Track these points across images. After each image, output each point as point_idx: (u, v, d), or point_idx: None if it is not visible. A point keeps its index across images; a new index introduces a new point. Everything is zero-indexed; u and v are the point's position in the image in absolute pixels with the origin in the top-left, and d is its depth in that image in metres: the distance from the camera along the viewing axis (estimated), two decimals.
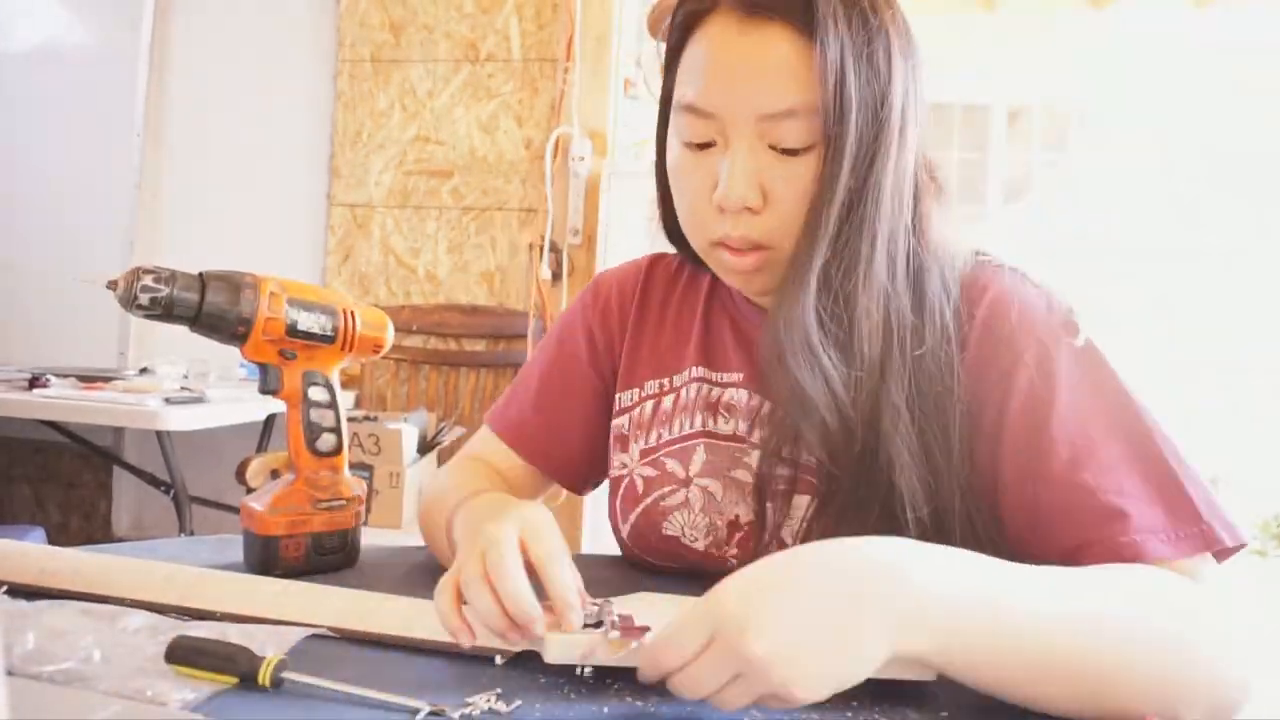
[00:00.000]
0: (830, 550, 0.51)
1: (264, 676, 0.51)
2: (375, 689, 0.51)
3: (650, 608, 0.62)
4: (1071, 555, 0.61)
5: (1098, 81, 5.79)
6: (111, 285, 0.67)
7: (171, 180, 2.82)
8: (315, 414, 0.77)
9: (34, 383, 2.01)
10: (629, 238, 2.50)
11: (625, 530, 0.82)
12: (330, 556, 0.76)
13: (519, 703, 0.51)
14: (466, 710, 0.50)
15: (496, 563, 0.53)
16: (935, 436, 0.66)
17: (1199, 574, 0.59)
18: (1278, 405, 5.37)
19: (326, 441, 0.78)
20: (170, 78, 2.82)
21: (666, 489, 0.79)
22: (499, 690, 0.53)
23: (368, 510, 2.07)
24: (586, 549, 2.54)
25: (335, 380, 0.79)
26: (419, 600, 0.64)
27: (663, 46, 0.74)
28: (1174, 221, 5.77)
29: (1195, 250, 5.75)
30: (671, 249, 0.85)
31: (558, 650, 0.54)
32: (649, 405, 0.83)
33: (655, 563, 0.82)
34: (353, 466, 0.81)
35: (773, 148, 0.66)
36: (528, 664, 0.57)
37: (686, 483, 0.78)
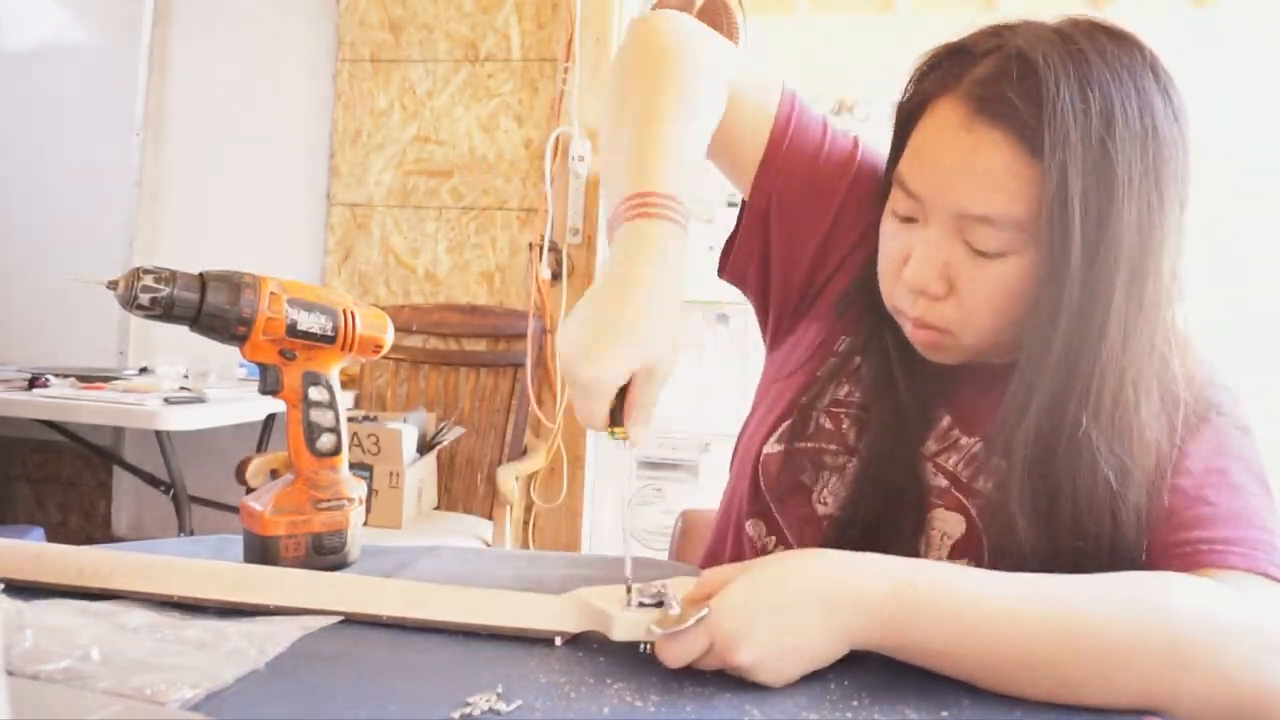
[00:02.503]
0: (801, 564, 0.59)
1: None
2: (382, 686, 0.51)
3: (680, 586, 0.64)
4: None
5: None
6: (111, 285, 0.67)
7: (171, 180, 2.82)
8: (315, 414, 0.77)
9: (34, 383, 2.01)
10: None
11: (770, 446, 0.81)
12: (330, 556, 0.76)
13: (519, 703, 0.51)
14: (466, 710, 0.50)
15: (588, 418, 0.60)
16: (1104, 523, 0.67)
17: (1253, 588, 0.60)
18: (1278, 405, 5.36)
19: (326, 441, 0.78)
20: (170, 78, 2.82)
21: (832, 446, 0.79)
22: (499, 690, 0.53)
23: (368, 510, 2.07)
24: (586, 549, 2.54)
25: (335, 380, 0.79)
26: (445, 587, 0.65)
27: None
28: None
29: (1195, 250, 5.74)
30: None
31: (624, 629, 0.58)
32: (858, 356, 0.82)
33: (745, 500, 0.82)
34: (353, 466, 0.82)
35: (967, 243, 0.67)
36: (528, 664, 0.57)
37: (851, 452, 0.78)
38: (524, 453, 2.44)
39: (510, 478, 2.17)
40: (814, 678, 0.57)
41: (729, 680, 0.56)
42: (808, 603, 0.56)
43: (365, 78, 2.71)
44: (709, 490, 2.40)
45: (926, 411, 0.77)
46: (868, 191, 0.82)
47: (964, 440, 0.76)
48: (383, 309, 0.84)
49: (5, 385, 2.03)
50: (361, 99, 2.71)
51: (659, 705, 0.52)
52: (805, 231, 0.84)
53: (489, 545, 2.19)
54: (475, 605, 0.63)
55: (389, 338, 0.82)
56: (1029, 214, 0.63)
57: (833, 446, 0.79)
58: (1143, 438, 0.66)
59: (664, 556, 1.15)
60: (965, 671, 0.56)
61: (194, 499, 2.23)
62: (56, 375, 2.10)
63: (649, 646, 0.58)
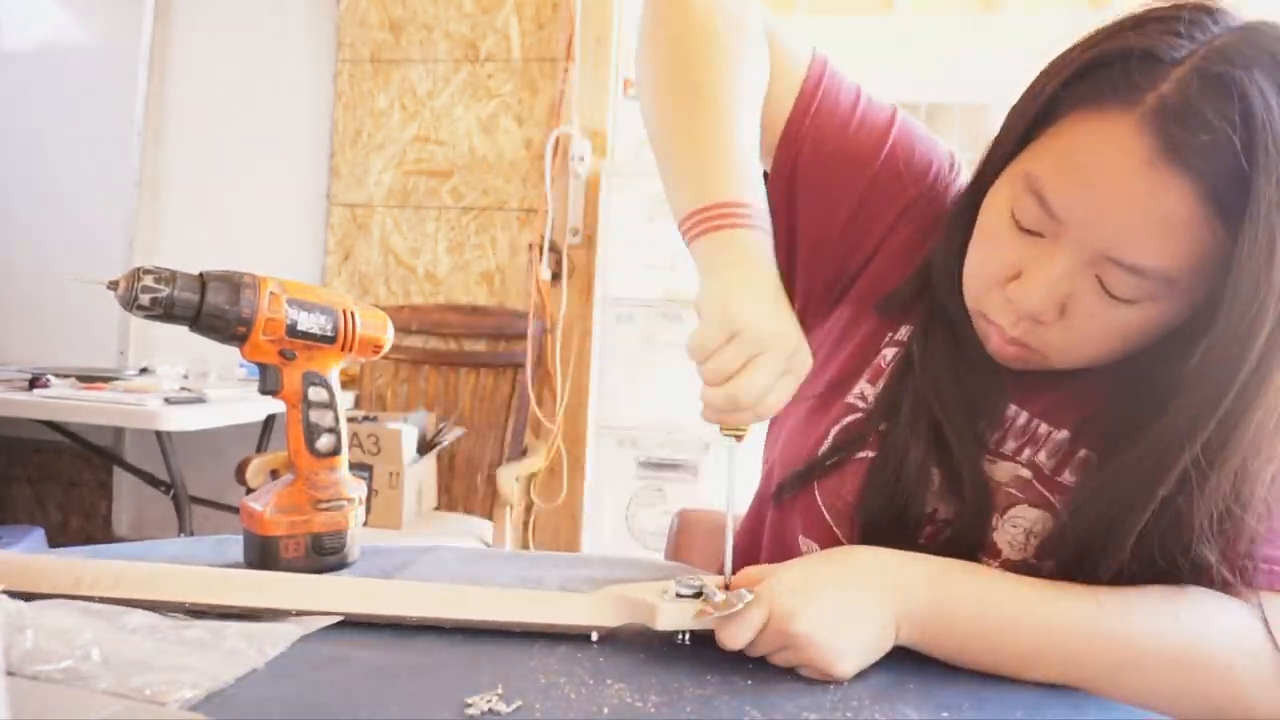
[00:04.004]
0: (851, 555, 0.63)
1: None
2: (381, 685, 0.51)
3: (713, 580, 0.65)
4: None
5: None
6: (112, 285, 0.67)
7: (171, 180, 2.82)
8: (315, 414, 0.77)
9: (34, 383, 2.01)
10: (629, 238, 2.50)
11: (821, 447, 0.75)
12: (330, 557, 0.76)
13: (519, 703, 0.51)
14: (467, 710, 0.50)
15: (758, 393, 0.58)
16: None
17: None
18: None
19: (326, 442, 0.78)
20: (170, 78, 2.82)
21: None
22: (499, 690, 0.53)
23: (368, 510, 2.07)
24: (586, 549, 2.54)
25: (335, 380, 0.79)
26: (453, 585, 0.65)
27: None
28: None
29: None
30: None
31: (669, 619, 0.59)
32: (890, 350, 0.76)
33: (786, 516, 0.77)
34: (353, 466, 0.82)
35: (1099, 278, 0.59)
36: (528, 664, 0.57)
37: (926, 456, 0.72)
38: (524, 453, 2.44)
39: (510, 478, 2.17)
40: (814, 679, 0.57)
41: (729, 680, 0.56)
42: (861, 585, 0.59)
43: (365, 78, 2.71)
44: (709, 490, 2.40)
45: (995, 403, 0.71)
46: (901, 174, 0.75)
47: (1044, 430, 0.70)
48: (383, 309, 0.84)
49: (5, 385, 2.03)
50: (361, 99, 2.71)
51: (659, 705, 0.52)
52: (832, 209, 0.76)
53: (489, 545, 2.19)
54: (507, 604, 0.64)
55: (389, 338, 0.82)
56: (1190, 271, 0.57)
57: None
58: (1259, 486, 0.61)
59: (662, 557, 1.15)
60: (987, 665, 0.60)
61: (194, 499, 2.23)
62: (57, 375, 2.10)
63: (686, 636, 0.60)
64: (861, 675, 0.58)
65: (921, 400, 0.70)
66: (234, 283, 0.71)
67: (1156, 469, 0.59)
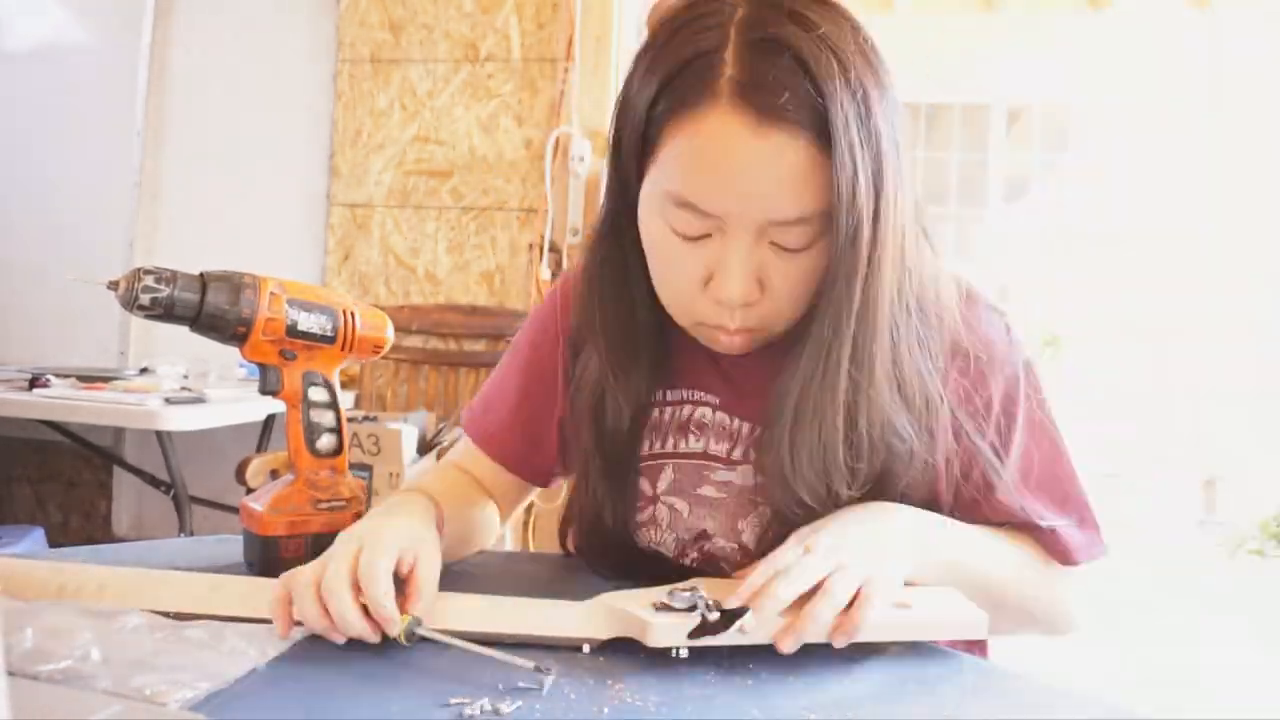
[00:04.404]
0: (878, 507, 0.71)
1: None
2: (381, 685, 0.51)
3: (713, 589, 0.64)
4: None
5: (1098, 81, 5.79)
6: (112, 285, 0.67)
7: (171, 180, 2.82)
8: (315, 414, 0.78)
9: (34, 383, 2.01)
10: None
11: (582, 539, 0.84)
12: None
13: (519, 703, 0.51)
14: (466, 710, 0.50)
15: (369, 565, 0.59)
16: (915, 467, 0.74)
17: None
18: (1276, 405, 5.37)
19: (326, 442, 0.78)
20: (170, 78, 2.82)
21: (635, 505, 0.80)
22: (499, 690, 0.53)
23: (368, 510, 2.06)
24: None
25: (335, 380, 0.79)
26: (466, 595, 0.65)
27: None
28: (1174, 220, 5.77)
29: (1195, 250, 5.75)
30: None
31: (663, 634, 0.58)
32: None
33: (605, 570, 0.81)
34: (352, 466, 0.82)
35: (773, 244, 0.66)
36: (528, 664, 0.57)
37: (654, 500, 0.80)
38: None
39: None
40: (815, 679, 0.57)
41: (729, 681, 0.56)
42: (885, 523, 0.69)
43: (365, 78, 2.71)
44: None
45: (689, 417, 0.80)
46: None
47: (738, 424, 0.78)
48: (383, 309, 0.84)
49: (5, 385, 2.03)
50: (361, 99, 2.71)
51: (659, 705, 0.52)
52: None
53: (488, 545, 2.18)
54: (500, 615, 0.63)
55: (389, 338, 0.82)
56: (829, 203, 0.64)
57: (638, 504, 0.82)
58: (914, 386, 0.71)
59: None
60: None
61: (194, 499, 2.23)
62: (57, 375, 2.10)
63: (681, 651, 0.58)
64: (861, 675, 0.58)
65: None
66: (234, 283, 0.71)
67: (823, 380, 0.67)
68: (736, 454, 0.78)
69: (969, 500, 0.76)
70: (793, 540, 0.66)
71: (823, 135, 0.62)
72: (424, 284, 2.67)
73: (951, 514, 0.76)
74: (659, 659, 0.59)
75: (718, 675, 0.57)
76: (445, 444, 2.33)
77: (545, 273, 2.48)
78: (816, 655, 0.59)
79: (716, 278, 0.67)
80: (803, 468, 0.69)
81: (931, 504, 0.74)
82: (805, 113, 0.61)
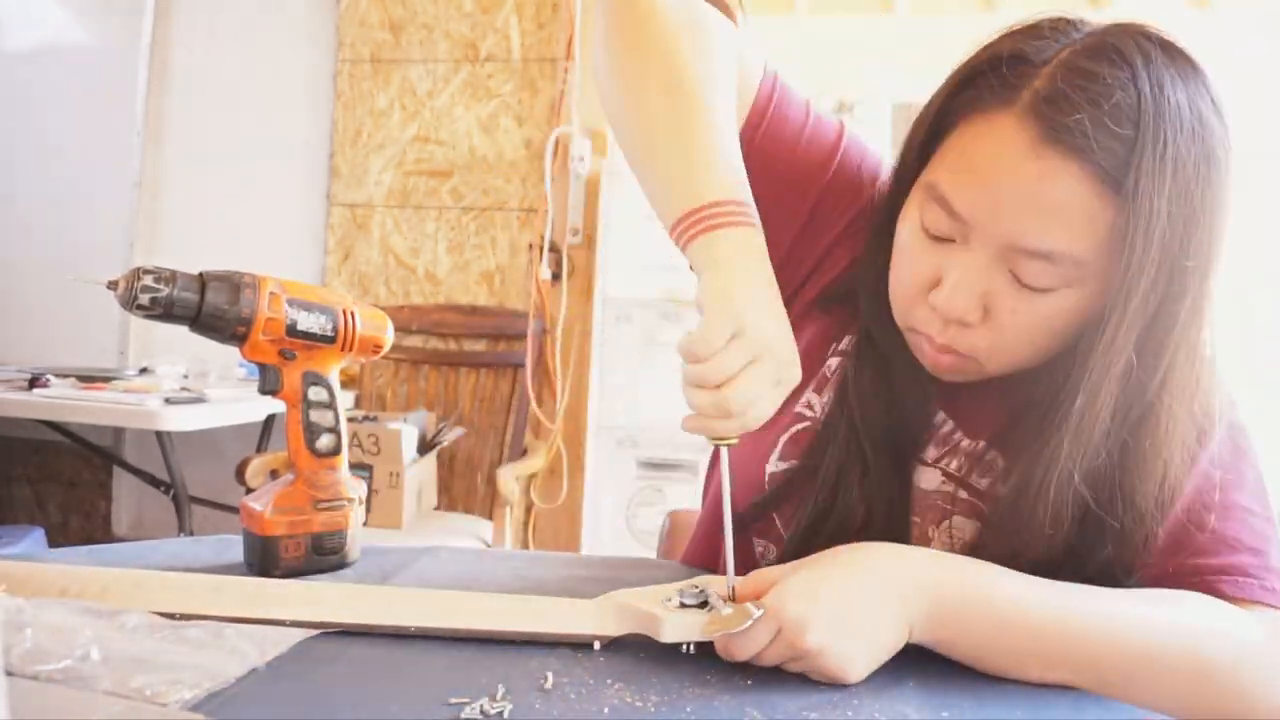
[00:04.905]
0: (861, 554, 0.61)
1: None
2: (381, 685, 0.51)
3: (719, 587, 0.64)
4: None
5: None
6: (112, 285, 0.67)
7: (171, 180, 2.82)
8: (315, 414, 0.77)
9: (34, 383, 2.01)
10: (629, 238, 2.51)
11: (774, 465, 0.77)
12: (330, 557, 0.76)
13: (519, 703, 0.51)
14: (466, 710, 0.50)
15: (748, 400, 0.57)
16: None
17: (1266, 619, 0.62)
18: (1276, 405, 5.37)
19: (326, 442, 0.78)
20: (170, 78, 2.82)
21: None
22: (499, 690, 0.53)
23: (368, 510, 2.07)
24: (586, 549, 2.54)
25: (335, 380, 0.79)
26: (475, 594, 0.65)
27: None
28: None
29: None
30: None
31: (673, 631, 0.58)
32: (834, 360, 0.78)
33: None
34: (353, 466, 0.81)
35: (1013, 274, 0.62)
36: (528, 664, 0.57)
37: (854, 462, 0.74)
38: (524, 453, 2.44)
39: (510, 478, 2.17)
40: (815, 679, 0.57)
41: (730, 681, 0.56)
42: (870, 586, 0.58)
43: (365, 78, 2.71)
44: None
45: (924, 415, 0.74)
46: (851, 185, 0.77)
47: (965, 443, 0.73)
48: (383, 309, 0.84)
49: (5, 385, 2.03)
50: (361, 99, 2.71)
51: (659, 705, 0.52)
52: (782, 222, 0.76)
53: (489, 546, 2.19)
54: (510, 612, 0.63)
55: (389, 338, 0.82)
56: (1094, 250, 0.59)
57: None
58: (1171, 463, 0.64)
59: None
60: (1003, 667, 0.59)
61: (194, 499, 2.23)
62: (57, 375, 2.10)
63: (690, 647, 0.59)
64: None
65: (853, 427, 0.73)
66: (234, 283, 0.71)
67: (1069, 454, 0.61)
68: (952, 466, 0.73)
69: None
70: (771, 609, 0.57)
71: (1112, 177, 0.57)
72: (424, 284, 2.67)
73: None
74: (659, 658, 0.59)
75: (718, 675, 0.57)
76: (445, 444, 2.33)
77: (545, 272, 2.48)
78: None
79: (942, 284, 0.64)
80: (1031, 510, 0.63)
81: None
82: (1097, 145, 0.57)
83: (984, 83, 0.63)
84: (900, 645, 0.58)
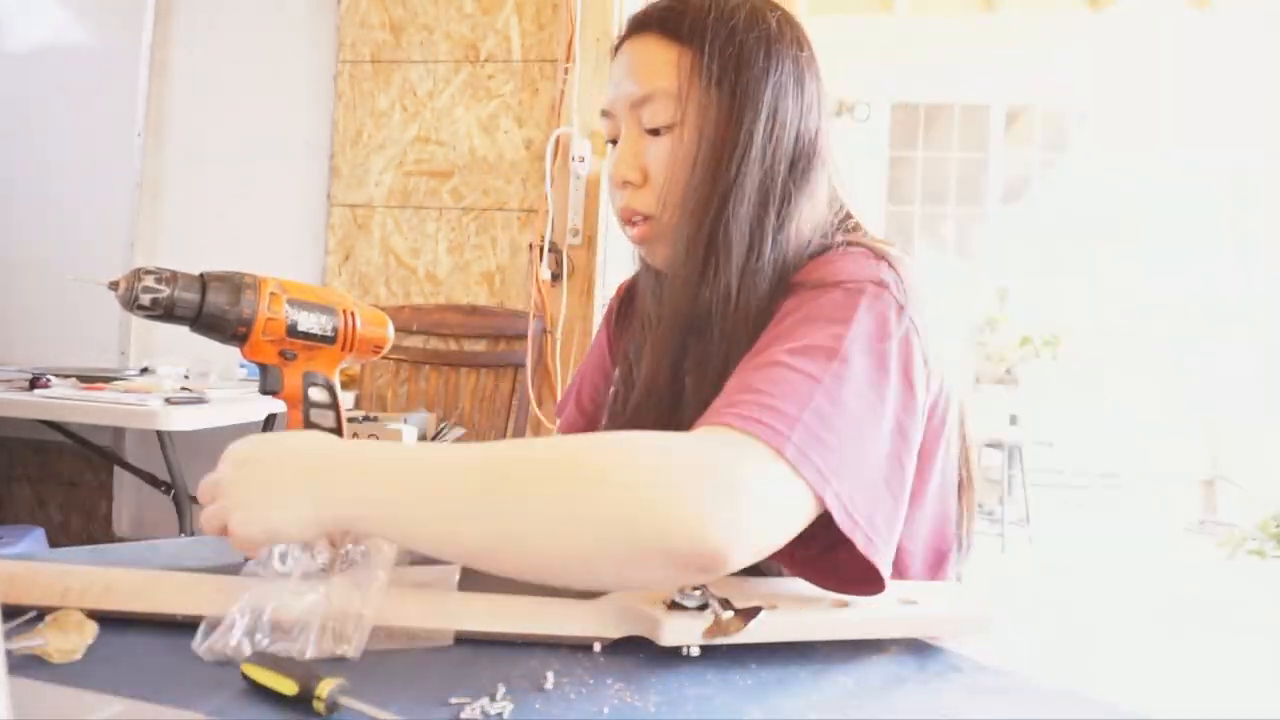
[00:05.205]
0: (292, 442, 0.64)
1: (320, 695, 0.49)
2: (381, 685, 0.51)
3: (720, 587, 0.64)
4: None
5: (1098, 81, 5.79)
6: (112, 286, 0.67)
7: (171, 180, 2.82)
8: (315, 414, 0.78)
9: (34, 383, 2.01)
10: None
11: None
12: None
13: (519, 703, 0.51)
14: (466, 710, 0.50)
15: None
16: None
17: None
18: (1277, 405, 5.37)
19: None
20: (170, 78, 2.82)
21: None
22: (500, 690, 0.53)
23: None
24: None
25: (335, 380, 0.79)
26: (475, 595, 0.65)
27: None
28: (1173, 220, 5.77)
29: (1195, 249, 5.75)
30: None
31: (672, 634, 0.58)
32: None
33: None
34: None
35: (647, 130, 0.79)
36: (528, 664, 0.57)
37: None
38: None
39: None
40: (815, 678, 0.57)
41: (729, 680, 0.56)
42: (292, 471, 0.61)
43: (366, 78, 2.71)
44: None
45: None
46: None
47: None
48: (383, 309, 0.84)
49: (6, 385, 2.03)
50: (362, 100, 2.71)
51: (659, 705, 0.52)
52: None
53: None
54: (511, 613, 0.63)
55: (389, 338, 0.82)
56: (676, 82, 0.76)
57: None
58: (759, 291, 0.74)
59: None
60: (429, 548, 0.57)
61: (194, 499, 2.22)
62: (57, 375, 2.10)
63: (691, 650, 0.59)
64: (862, 674, 0.58)
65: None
66: (234, 283, 0.71)
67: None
68: None
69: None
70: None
71: (672, 32, 0.77)
72: (424, 284, 2.67)
73: None
74: (659, 658, 0.59)
75: (718, 675, 0.57)
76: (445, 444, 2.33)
77: (545, 273, 2.48)
78: (817, 654, 0.59)
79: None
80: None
81: None
82: (660, 17, 0.78)
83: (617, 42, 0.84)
84: (311, 532, 0.58)
